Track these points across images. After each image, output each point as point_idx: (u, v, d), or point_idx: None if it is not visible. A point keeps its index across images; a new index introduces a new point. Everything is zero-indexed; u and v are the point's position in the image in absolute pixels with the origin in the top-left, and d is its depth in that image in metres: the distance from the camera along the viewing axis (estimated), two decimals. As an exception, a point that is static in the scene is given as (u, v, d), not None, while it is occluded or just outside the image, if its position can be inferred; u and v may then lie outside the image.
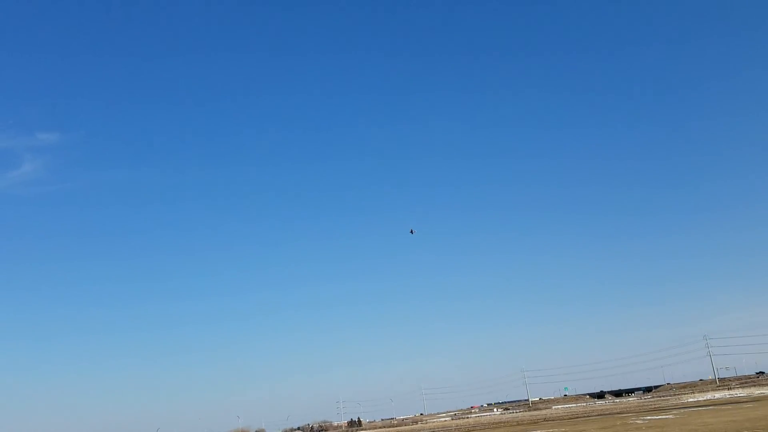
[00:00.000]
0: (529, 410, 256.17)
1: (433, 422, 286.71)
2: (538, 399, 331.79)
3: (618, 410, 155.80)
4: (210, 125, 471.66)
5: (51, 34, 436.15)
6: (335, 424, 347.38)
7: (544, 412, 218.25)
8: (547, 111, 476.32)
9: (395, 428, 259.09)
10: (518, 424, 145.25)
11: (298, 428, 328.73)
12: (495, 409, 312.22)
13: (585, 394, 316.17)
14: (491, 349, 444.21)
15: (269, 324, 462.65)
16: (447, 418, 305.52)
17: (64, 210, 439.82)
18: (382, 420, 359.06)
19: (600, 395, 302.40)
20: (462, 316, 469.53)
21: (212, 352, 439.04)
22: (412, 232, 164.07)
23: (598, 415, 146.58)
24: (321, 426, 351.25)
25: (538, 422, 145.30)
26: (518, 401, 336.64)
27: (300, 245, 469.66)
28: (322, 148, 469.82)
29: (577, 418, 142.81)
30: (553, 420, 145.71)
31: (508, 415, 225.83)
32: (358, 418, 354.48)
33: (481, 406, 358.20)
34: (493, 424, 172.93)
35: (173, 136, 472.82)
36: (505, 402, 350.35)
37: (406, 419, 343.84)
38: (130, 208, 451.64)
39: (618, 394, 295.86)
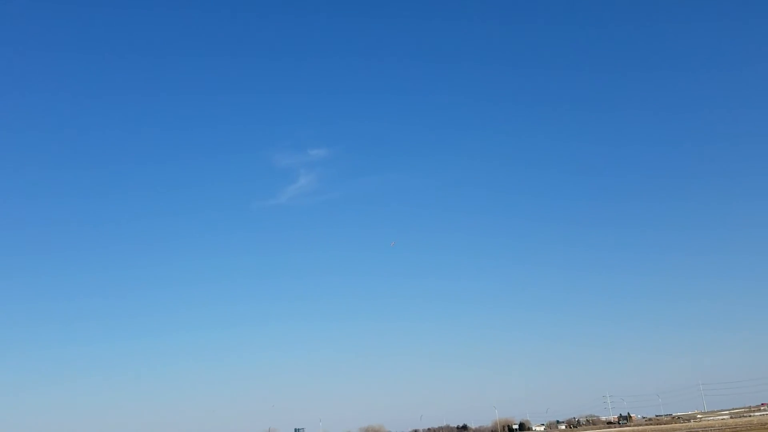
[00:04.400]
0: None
1: (708, 421, 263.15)
2: None
3: None
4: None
5: (317, 66, 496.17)
6: (602, 418, 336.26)
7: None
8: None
9: (657, 426, 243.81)
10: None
11: (559, 422, 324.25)
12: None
13: None
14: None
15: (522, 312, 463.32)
16: (726, 417, 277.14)
17: (335, 215, 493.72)
18: (656, 416, 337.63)
19: None
20: (748, 303, 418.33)
21: (468, 347, 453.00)
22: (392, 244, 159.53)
23: None
24: (588, 420, 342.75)
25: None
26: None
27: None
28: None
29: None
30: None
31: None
32: (628, 413, 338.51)
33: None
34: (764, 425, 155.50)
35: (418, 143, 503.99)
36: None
37: (681, 416, 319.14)
38: (389, 208, 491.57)
39: None
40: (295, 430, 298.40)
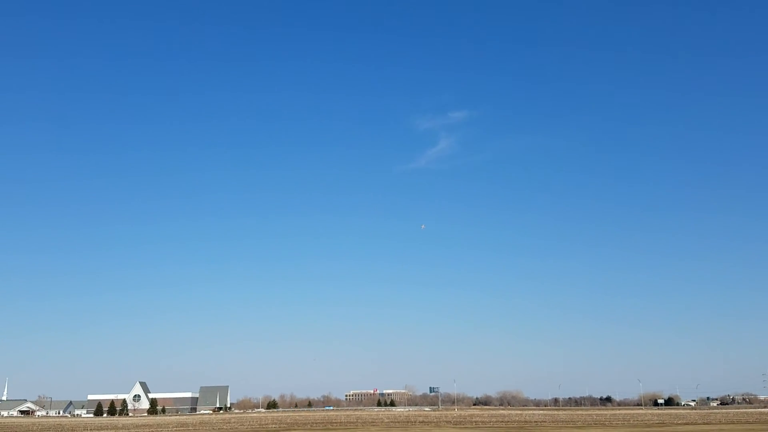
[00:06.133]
0: None
1: None
2: None
3: None
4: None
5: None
6: (761, 398, 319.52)
7: None
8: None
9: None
10: None
11: (711, 399, 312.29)
12: None
13: None
14: None
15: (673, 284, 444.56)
16: None
17: (474, 179, 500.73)
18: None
19: None
20: None
21: (613, 317, 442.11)
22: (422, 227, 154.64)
23: None
24: (744, 398, 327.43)
25: None
26: None
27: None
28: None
29: None
30: None
31: None
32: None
33: None
34: None
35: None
36: None
37: None
38: (535, 172, 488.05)
39: None
40: (430, 389, 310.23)
